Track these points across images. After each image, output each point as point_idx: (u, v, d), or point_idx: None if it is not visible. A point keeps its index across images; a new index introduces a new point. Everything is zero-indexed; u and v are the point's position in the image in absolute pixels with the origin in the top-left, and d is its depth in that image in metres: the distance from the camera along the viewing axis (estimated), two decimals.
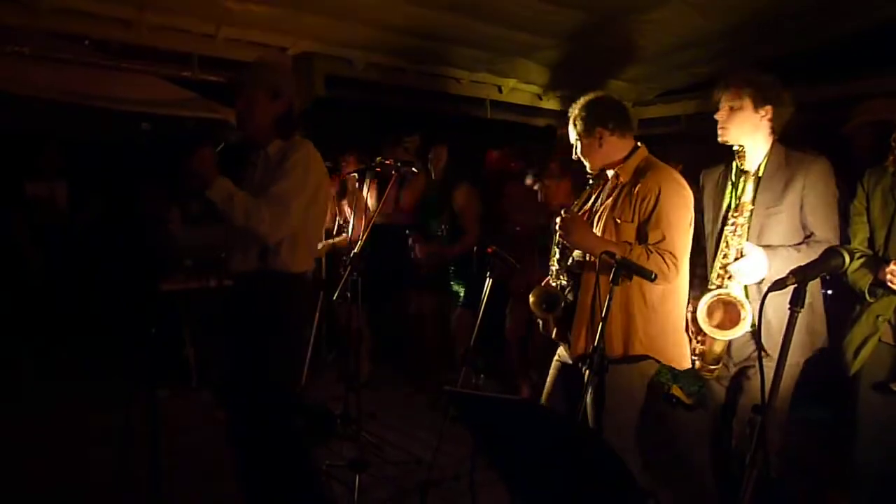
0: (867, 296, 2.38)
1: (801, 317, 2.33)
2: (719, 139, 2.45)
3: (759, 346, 1.79)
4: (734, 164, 2.52)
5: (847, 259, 1.72)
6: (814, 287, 2.46)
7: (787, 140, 2.49)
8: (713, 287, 2.37)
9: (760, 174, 2.41)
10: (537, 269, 3.66)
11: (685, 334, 2.51)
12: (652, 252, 2.29)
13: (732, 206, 2.46)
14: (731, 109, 2.41)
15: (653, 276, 2.18)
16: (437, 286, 4.68)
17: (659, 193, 2.33)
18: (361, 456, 3.37)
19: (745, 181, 2.35)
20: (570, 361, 2.51)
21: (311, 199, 2.46)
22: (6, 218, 5.02)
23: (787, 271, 1.70)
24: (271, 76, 2.52)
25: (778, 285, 1.72)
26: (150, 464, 2.46)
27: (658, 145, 2.62)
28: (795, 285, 1.66)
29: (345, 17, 4.31)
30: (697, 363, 2.47)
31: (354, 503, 3.11)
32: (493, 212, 4.68)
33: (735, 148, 2.39)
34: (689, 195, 2.42)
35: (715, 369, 2.46)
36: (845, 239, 2.47)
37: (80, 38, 4.12)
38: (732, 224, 2.34)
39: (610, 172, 2.53)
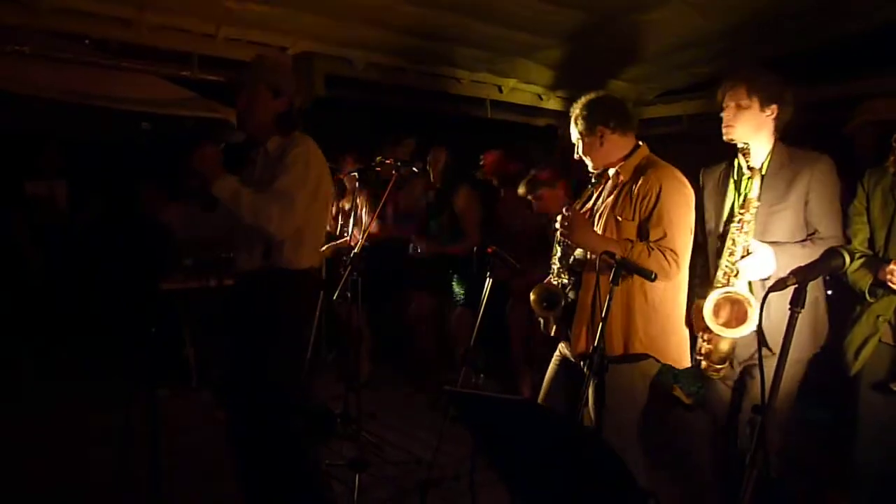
0: (867, 296, 2.38)
1: (806, 313, 2.34)
2: (724, 137, 2.45)
3: (760, 346, 1.79)
4: (736, 163, 2.52)
5: (847, 259, 1.72)
6: (818, 284, 2.47)
7: (787, 140, 2.49)
8: (719, 285, 2.36)
9: (763, 172, 2.41)
10: (538, 268, 3.66)
11: (686, 334, 2.51)
12: (653, 249, 2.30)
13: (737, 203, 2.46)
14: (738, 108, 2.40)
15: (653, 275, 2.18)
16: (437, 286, 4.68)
17: (660, 191, 2.34)
18: (361, 456, 3.38)
19: (750, 178, 2.34)
20: (572, 359, 2.51)
21: (312, 194, 2.45)
22: (6, 218, 5.02)
23: (790, 271, 1.70)
24: (272, 74, 2.52)
25: (779, 285, 1.72)
26: (150, 464, 2.46)
27: (659, 145, 2.61)
28: (796, 286, 1.66)
29: (345, 17, 4.31)
30: (704, 363, 2.46)
31: (354, 503, 3.11)
32: (491, 215, 4.68)
33: (740, 145, 2.39)
34: (691, 193, 2.42)
35: (721, 369, 2.44)
36: (846, 239, 2.47)
37: (80, 37, 4.11)
38: (739, 221, 2.33)
39: (611, 171, 2.53)
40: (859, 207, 2.47)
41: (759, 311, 1.76)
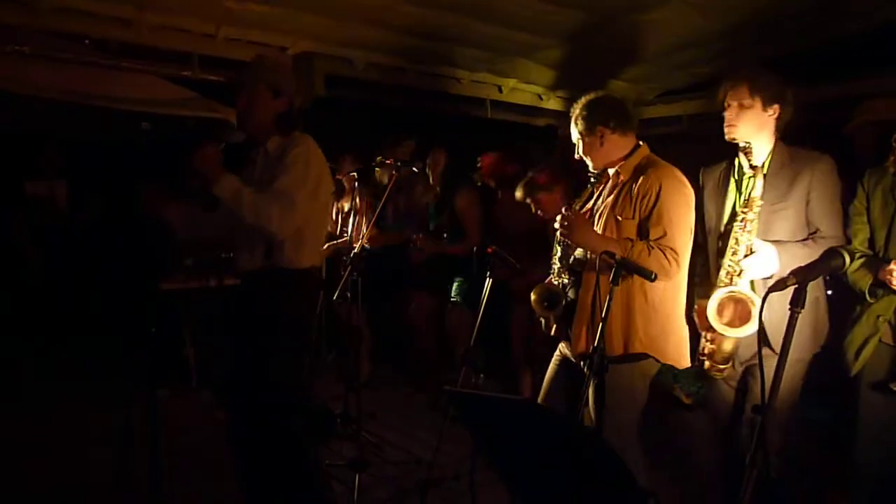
0: (867, 296, 2.38)
1: (807, 313, 2.34)
2: (727, 137, 2.45)
3: (760, 346, 1.79)
4: (737, 162, 2.52)
5: (847, 259, 1.72)
6: (818, 283, 2.47)
7: (787, 139, 2.49)
8: (722, 284, 2.35)
9: (765, 171, 2.41)
10: (537, 269, 3.66)
11: (686, 334, 2.51)
12: (653, 248, 2.30)
13: (738, 203, 2.46)
14: (741, 107, 2.40)
15: (653, 276, 2.18)
16: (437, 286, 4.68)
17: (660, 189, 2.34)
18: (361, 456, 3.38)
19: (752, 177, 2.34)
20: (573, 359, 2.52)
21: (313, 193, 2.45)
22: (6, 218, 5.02)
23: (790, 271, 1.70)
24: (272, 74, 2.52)
25: (778, 286, 1.72)
26: (150, 464, 2.46)
27: (659, 145, 2.62)
28: (795, 286, 1.66)
29: (345, 17, 4.31)
30: (707, 363, 2.46)
31: (354, 503, 3.11)
32: (489, 217, 4.68)
33: (742, 145, 2.39)
34: (691, 193, 2.43)
35: (725, 369, 2.44)
36: (846, 238, 2.47)
37: (81, 37, 4.11)
38: (742, 220, 2.33)
39: (611, 171, 2.53)
40: (859, 207, 2.48)
41: (759, 311, 1.75)
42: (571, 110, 2.57)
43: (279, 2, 4.05)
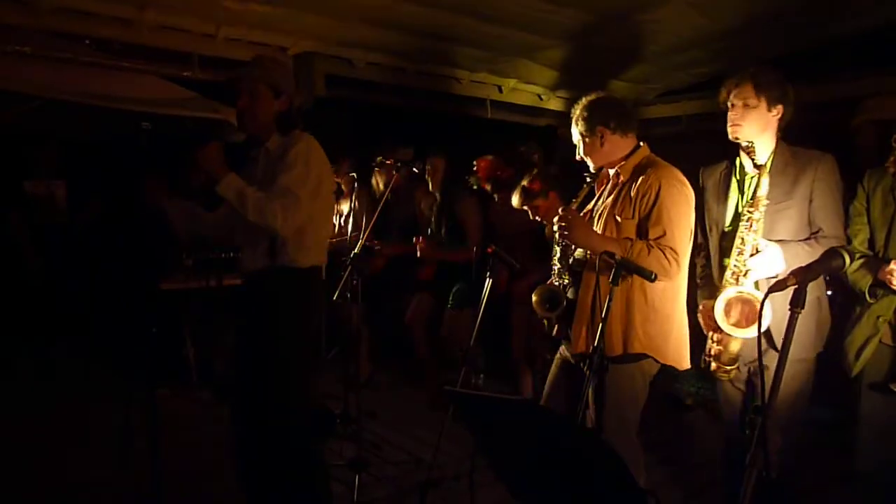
0: (867, 296, 2.38)
1: (810, 313, 2.36)
2: (730, 136, 2.45)
3: (760, 347, 1.79)
4: (738, 162, 2.52)
5: (847, 260, 1.72)
6: (820, 283, 2.47)
7: (787, 139, 2.49)
8: (728, 284, 2.35)
9: (768, 171, 2.41)
10: (536, 271, 3.66)
11: (686, 335, 2.51)
12: (653, 247, 2.30)
13: (740, 202, 2.46)
14: (746, 107, 2.40)
15: (653, 276, 2.18)
16: (437, 287, 4.68)
17: (659, 189, 2.34)
18: (361, 455, 3.38)
19: (757, 176, 2.34)
20: (572, 360, 2.52)
21: (314, 190, 2.45)
22: (6, 218, 5.01)
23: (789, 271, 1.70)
24: (272, 74, 2.52)
25: (778, 286, 1.72)
26: (150, 463, 2.46)
27: (659, 145, 2.62)
28: (795, 286, 1.66)
29: (345, 17, 4.31)
30: (713, 364, 2.46)
31: (354, 503, 3.11)
32: (486, 221, 4.68)
33: (744, 144, 2.38)
34: (691, 193, 2.43)
35: (731, 370, 2.44)
36: (848, 238, 2.48)
37: (81, 37, 4.11)
38: (748, 220, 2.32)
39: (611, 171, 2.54)
40: (859, 208, 2.48)
41: (760, 311, 1.75)
42: (572, 111, 2.57)
43: (279, 2, 4.05)
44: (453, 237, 4.61)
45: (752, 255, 2.32)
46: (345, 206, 5.01)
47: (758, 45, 4.77)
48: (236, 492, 2.63)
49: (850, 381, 2.49)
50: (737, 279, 2.34)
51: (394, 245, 4.79)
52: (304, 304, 2.55)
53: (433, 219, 4.75)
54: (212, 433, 3.72)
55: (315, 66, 4.73)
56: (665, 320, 2.41)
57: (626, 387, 2.39)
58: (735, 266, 2.34)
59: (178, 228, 2.68)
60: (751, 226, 2.32)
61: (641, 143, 2.54)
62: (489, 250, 2.89)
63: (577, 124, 2.54)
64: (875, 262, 2.36)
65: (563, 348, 2.60)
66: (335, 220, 5.03)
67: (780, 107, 2.41)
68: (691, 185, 2.47)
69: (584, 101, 2.55)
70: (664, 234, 2.32)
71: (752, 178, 2.45)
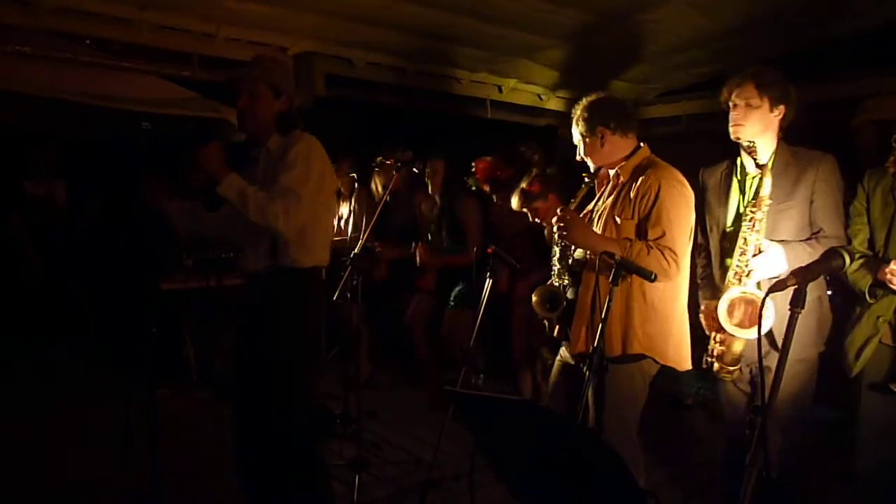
0: (867, 297, 2.38)
1: (811, 313, 2.36)
2: (733, 136, 2.45)
3: (760, 347, 1.79)
4: (739, 162, 2.52)
5: (847, 260, 1.72)
6: (821, 282, 2.47)
7: (787, 139, 2.50)
8: (731, 284, 2.35)
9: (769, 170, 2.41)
10: (536, 272, 3.66)
11: (687, 336, 2.50)
12: (652, 248, 2.30)
13: (742, 202, 2.46)
14: (748, 107, 2.40)
15: (653, 276, 2.18)
16: (437, 288, 4.68)
17: (659, 190, 2.34)
18: (361, 455, 3.38)
19: (759, 176, 2.34)
20: (572, 360, 2.52)
21: (316, 189, 2.44)
22: (6, 218, 5.02)
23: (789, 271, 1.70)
24: (272, 74, 2.52)
25: (778, 286, 1.72)
26: (150, 463, 2.46)
27: (659, 145, 2.62)
28: (795, 286, 1.66)
29: (345, 17, 4.31)
30: (716, 365, 2.45)
31: (354, 503, 3.11)
32: (486, 222, 4.69)
33: (746, 144, 2.38)
34: (690, 194, 2.43)
35: (734, 370, 2.44)
36: (848, 238, 2.48)
37: (81, 37, 4.11)
38: (750, 220, 2.32)
39: (612, 172, 2.54)
40: (859, 208, 2.48)
41: (760, 312, 1.75)
42: (573, 111, 2.57)
43: (279, 2, 4.05)
44: (454, 239, 4.61)
45: (754, 255, 2.32)
46: (344, 208, 5.01)
47: (758, 45, 4.77)
48: (236, 492, 2.63)
49: (850, 381, 2.49)
50: (739, 279, 2.33)
51: (394, 249, 4.80)
52: (305, 305, 2.54)
53: (434, 222, 4.75)
54: (212, 433, 3.72)
55: (315, 66, 4.73)
56: (665, 320, 2.41)
57: (625, 387, 2.39)
58: (738, 266, 2.34)
59: (179, 229, 2.68)
60: (753, 226, 2.31)
61: (642, 144, 2.54)
62: (489, 250, 2.89)
63: (578, 125, 2.54)
64: (875, 262, 2.36)
65: (563, 349, 2.60)
66: (335, 222, 5.03)
67: (781, 107, 2.42)
68: (691, 185, 2.47)
69: (584, 101, 2.55)
70: (663, 234, 2.32)
71: (753, 178, 2.45)
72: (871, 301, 2.38)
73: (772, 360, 2.03)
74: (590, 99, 2.54)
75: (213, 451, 3.42)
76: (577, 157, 2.60)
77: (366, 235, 3.87)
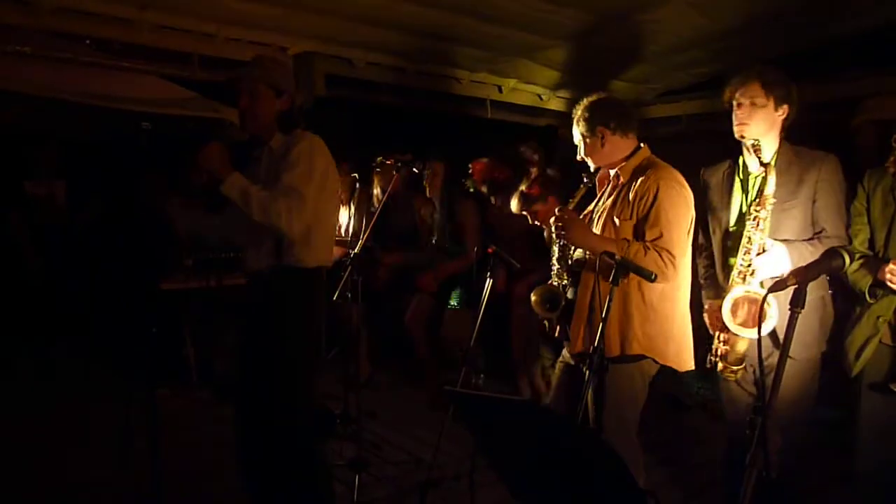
0: (867, 296, 2.37)
1: (814, 311, 2.36)
2: (737, 134, 2.44)
3: (760, 347, 1.79)
4: (741, 161, 2.52)
5: (847, 260, 1.72)
6: (823, 282, 2.46)
7: (788, 139, 2.50)
8: (735, 284, 2.35)
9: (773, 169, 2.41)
10: (536, 272, 3.66)
11: (688, 336, 2.50)
12: (649, 249, 2.30)
13: (744, 202, 2.46)
14: (753, 106, 2.40)
15: (653, 276, 2.18)
16: (437, 287, 4.68)
17: (657, 191, 2.34)
18: (361, 455, 3.37)
19: (763, 175, 2.34)
20: (572, 360, 2.52)
21: (319, 188, 2.44)
22: (6, 218, 5.02)
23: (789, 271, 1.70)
24: (273, 73, 2.52)
25: (778, 286, 1.72)
26: (150, 463, 2.46)
27: (659, 145, 2.62)
28: (795, 286, 1.66)
29: (345, 17, 4.31)
30: (720, 365, 2.45)
31: (354, 503, 3.11)
32: (485, 223, 4.69)
33: (750, 142, 2.38)
34: (689, 195, 2.42)
35: (738, 370, 2.44)
36: (849, 239, 2.48)
37: (81, 37, 4.11)
38: (754, 219, 2.32)
39: (612, 172, 2.54)
40: (860, 208, 2.47)
41: (760, 312, 1.75)
42: (573, 111, 2.58)
43: (279, 2, 4.05)
44: (454, 243, 4.62)
45: (758, 254, 2.32)
46: (344, 210, 5.01)
47: (758, 45, 4.77)
48: (236, 492, 2.63)
49: (850, 381, 2.49)
50: (743, 278, 2.33)
51: (394, 255, 4.80)
52: (308, 304, 2.54)
53: (437, 228, 4.75)
54: (212, 433, 3.72)
55: (315, 66, 4.73)
56: (665, 320, 2.41)
57: (625, 387, 2.39)
58: (741, 265, 2.34)
59: (180, 229, 2.67)
60: (757, 224, 2.31)
61: (642, 145, 2.54)
62: (489, 250, 2.89)
63: (578, 125, 2.54)
64: (875, 262, 2.36)
65: (565, 350, 2.60)
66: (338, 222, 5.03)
67: (785, 106, 2.42)
68: (691, 185, 2.47)
69: (585, 101, 2.55)
70: (661, 235, 2.32)
71: (756, 177, 2.45)
72: (871, 301, 2.37)
73: (776, 360, 2.03)
74: (590, 99, 2.54)
75: (213, 451, 3.42)
76: (578, 157, 2.60)
77: (366, 236, 3.87)
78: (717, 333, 2.47)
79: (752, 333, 2.29)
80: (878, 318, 2.38)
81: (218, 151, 2.37)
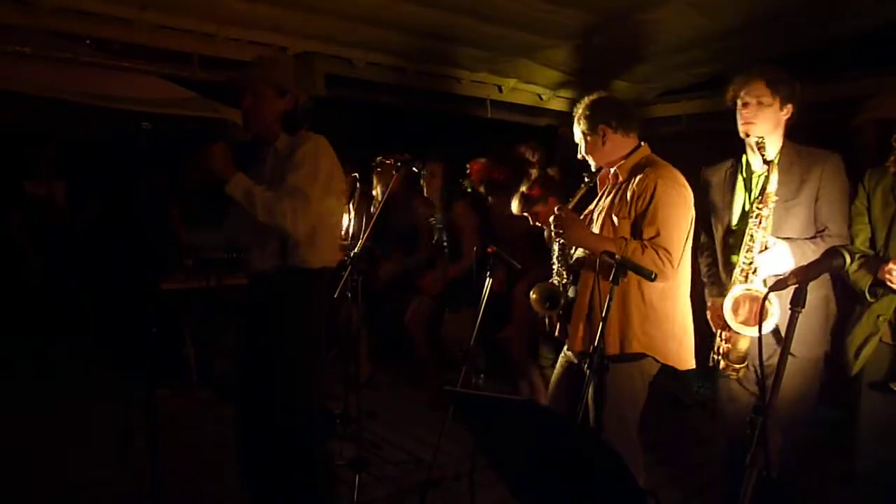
0: (867, 296, 2.38)
1: (819, 310, 2.36)
2: (742, 132, 2.45)
3: (760, 346, 1.79)
4: (744, 160, 2.52)
5: (848, 259, 1.72)
6: (826, 281, 2.46)
7: (790, 138, 2.50)
8: (737, 282, 2.35)
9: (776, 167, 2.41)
10: (537, 272, 3.66)
11: (690, 335, 2.50)
12: (646, 247, 2.30)
13: (747, 200, 2.46)
14: (760, 105, 2.40)
15: (653, 275, 2.18)
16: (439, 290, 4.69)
17: (655, 189, 2.34)
18: (361, 455, 3.37)
19: (765, 173, 2.34)
20: (574, 359, 2.52)
21: (324, 189, 2.44)
22: (6, 218, 5.02)
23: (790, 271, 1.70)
24: (276, 73, 2.52)
25: (779, 285, 1.72)
26: (150, 463, 2.46)
27: (659, 145, 2.62)
28: (796, 285, 1.66)
29: (345, 17, 4.31)
30: (722, 363, 2.46)
31: (354, 503, 3.11)
32: (485, 223, 4.69)
33: (755, 140, 2.38)
34: (688, 194, 2.43)
35: (740, 368, 2.44)
36: (851, 238, 2.48)
37: (81, 37, 4.11)
38: (757, 217, 2.32)
39: (612, 171, 2.54)
40: (860, 207, 2.48)
41: (761, 311, 1.75)
42: (575, 109, 2.58)
43: (279, 2, 4.05)
44: (452, 245, 4.61)
45: (760, 252, 2.32)
46: (345, 209, 5.00)
47: (758, 45, 4.76)
48: (236, 492, 2.63)
49: (850, 380, 2.49)
50: (746, 276, 2.34)
51: (394, 261, 4.80)
52: (309, 304, 2.54)
53: (436, 228, 4.74)
54: (212, 433, 3.72)
55: (315, 66, 4.73)
56: (665, 319, 2.41)
57: (625, 386, 2.39)
58: (744, 263, 2.34)
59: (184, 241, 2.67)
60: (760, 222, 2.32)
61: (642, 144, 2.54)
62: (489, 251, 2.89)
63: (580, 123, 2.54)
64: (875, 261, 2.36)
65: (566, 349, 2.60)
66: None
67: (790, 106, 2.43)
68: (691, 184, 2.47)
69: (586, 100, 2.56)
70: (658, 234, 2.32)
71: (759, 175, 2.45)
72: (872, 300, 2.38)
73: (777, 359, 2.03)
74: (592, 98, 2.55)
75: (213, 451, 3.42)
76: (579, 156, 2.60)
77: (366, 236, 3.87)
78: (719, 332, 2.47)
79: (753, 332, 2.28)
80: (878, 316, 2.38)
81: (222, 152, 2.37)
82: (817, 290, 2.37)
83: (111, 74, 4.27)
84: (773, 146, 2.44)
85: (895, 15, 4.27)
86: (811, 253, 2.27)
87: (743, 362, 2.43)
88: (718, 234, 2.57)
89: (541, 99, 6.21)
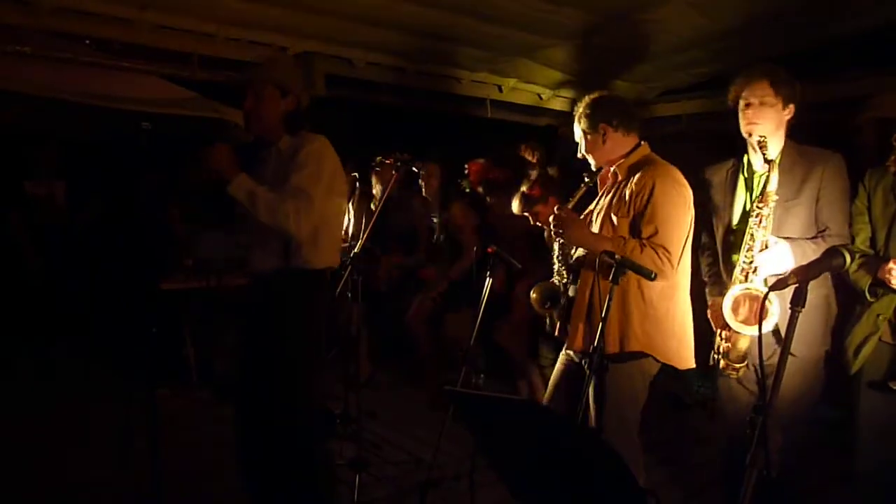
0: (867, 295, 2.38)
1: (820, 310, 2.36)
2: (745, 132, 2.44)
3: (760, 345, 1.79)
4: (745, 159, 2.52)
5: (848, 259, 1.72)
6: (827, 281, 2.46)
7: (791, 138, 2.50)
8: (738, 281, 2.35)
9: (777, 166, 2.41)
10: (537, 272, 3.66)
11: (689, 334, 2.50)
12: (645, 246, 2.30)
13: (748, 200, 2.46)
14: (763, 104, 2.40)
15: (653, 275, 2.18)
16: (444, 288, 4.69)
17: (653, 188, 2.34)
18: (361, 455, 3.37)
19: (766, 173, 2.34)
20: (575, 358, 2.52)
21: (327, 190, 2.43)
22: (6, 218, 5.02)
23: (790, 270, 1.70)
24: (279, 73, 2.52)
25: (779, 285, 1.72)
26: (150, 463, 2.46)
27: (659, 144, 2.62)
28: (796, 285, 1.66)
29: (345, 17, 4.31)
30: (722, 362, 2.46)
31: (354, 503, 3.11)
32: (485, 224, 4.69)
33: (757, 139, 2.38)
34: (687, 193, 2.42)
35: (740, 367, 2.44)
36: (852, 238, 2.48)
37: (81, 37, 4.11)
38: (757, 216, 2.32)
39: (611, 170, 2.54)
40: (861, 207, 2.48)
41: (761, 310, 1.75)
42: (575, 108, 2.58)
43: (279, 2, 4.05)
44: (452, 246, 4.62)
45: (760, 251, 2.32)
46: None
47: (758, 45, 4.76)
48: (236, 492, 2.63)
49: (850, 380, 2.49)
50: (746, 276, 2.34)
51: (395, 258, 4.80)
52: (310, 305, 2.54)
53: (438, 233, 4.74)
54: (212, 433, 3.72)
55: (315, 66, 4.74)
56: (664, 318, 2.41)
57: (625, 386, 2.39)
58: (744, 262, 2.34)
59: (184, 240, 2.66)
60: (760, 222, 2.32)
61: (642, 143, 2.54)
62: (490, 250, 2.89)
63: (580, 121, 2.55)
64: (875, 260, 2.36)
65: (565, 349, 2.60)
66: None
67: (792, 106, 2.43)
68: (690, 183, 2.47)
69: (587, 98, 2.56)
70: (656, 232, 2.32)
71: (760, 175, 2.45)
72: (872, 300, 2.38)
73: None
74: (593, 96, 2.55)
75: (213, 451, 3.42)
76: (579, 155, 2.60)
77: (365, 235, 3.87)
78: (719, 330, 2.47)
79: (753, 331, 2.28)
80: (878, 316, 2.38)
81: (224, 152, 2.37)
82: (818, 290, 2.37)
83: (111, 74, 4.27)
84: (775, 146, 2.44)
85: (895, 15, 4.26)
86: (811, 252, 2.27)
87: (743, 361, 2.43)
88: (719, 234, 2.57)
89: (541, 99, 6.21)
